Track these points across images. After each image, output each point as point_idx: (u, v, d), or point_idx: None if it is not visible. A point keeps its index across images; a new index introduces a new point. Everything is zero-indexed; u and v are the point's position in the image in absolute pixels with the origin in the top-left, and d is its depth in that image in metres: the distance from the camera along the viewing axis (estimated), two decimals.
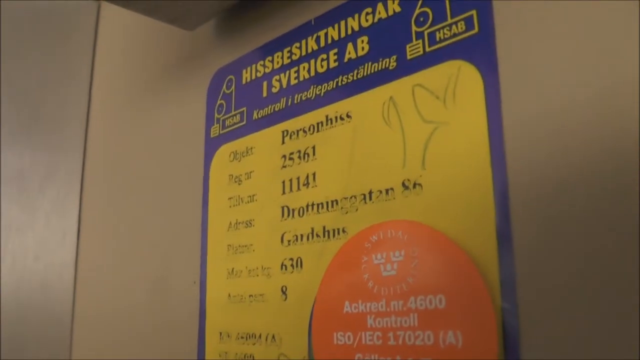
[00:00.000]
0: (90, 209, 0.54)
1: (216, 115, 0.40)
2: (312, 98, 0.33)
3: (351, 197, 0.30)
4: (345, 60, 0.32)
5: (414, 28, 0.29)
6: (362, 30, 0.32)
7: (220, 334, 0.36)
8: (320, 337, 0.30)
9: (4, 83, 0.71)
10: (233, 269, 0.36)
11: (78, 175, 0.56)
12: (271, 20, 0.38)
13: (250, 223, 0.35)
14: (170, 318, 0.41)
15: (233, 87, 0.39)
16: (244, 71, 0.39)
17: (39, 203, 0.61)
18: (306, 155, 0.33)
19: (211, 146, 0.40)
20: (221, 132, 0.39)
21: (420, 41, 0.29)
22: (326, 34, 0.34)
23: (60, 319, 0.54)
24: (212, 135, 0.40)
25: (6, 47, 0.72)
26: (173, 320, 0.40)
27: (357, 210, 0.30)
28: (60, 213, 0.57)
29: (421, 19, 0.29)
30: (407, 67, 0.29)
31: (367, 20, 0.32)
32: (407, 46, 0.29)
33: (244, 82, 0.39)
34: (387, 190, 0.29)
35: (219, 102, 0.40)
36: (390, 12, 0.31)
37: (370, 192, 0.29)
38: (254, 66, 0.38)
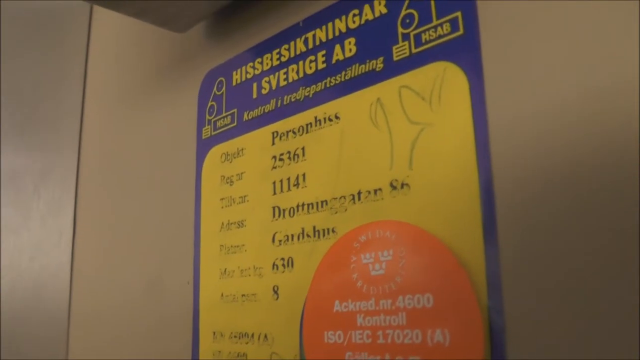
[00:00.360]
0: (85, 210, 0.55)
1: (207, 116, 0.40)
2: (301, 99, 0.34)
3: (340, 198, 0.30)
4: (333, 61, 0.33)
5: (400, 30, 0.30)
6: (349, 32, 0.32)
7: (214, 333, 0.36)
8: (311, 336, 0.30)
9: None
10: (225, 269, 0.36)
11: (73, 177, 0.57)
12: (260, 22, 0.39)
13: (242, 223, 0.36)
14: (164, 318, 0.41)
15: (224, 88, 0.40)
16: (234, 73, 0.39)
17: (34, 204, 0.61)
18: (296, 156, 0.33)
19: (203, 147, 0.40)
20: (212, 133, 0.40)
21: (406, 43, 0.29)
22: (314, 36, 0.34)
23: (56, 318, 0.54)
24: (203, 137, 0.41)
25: None
26: (168, 320, 0.41)
27: (346, 210, 0.30)
28: (55, 214, 0.58)
29: (407, 21, 0.29)
30: (394, 69, 0.29)
31: (354, 22, 0.32)
32: (394, 47, 0.30)
33: (234, 83, 0.39)
34: (375, 191, 0.29)
35: (210, 103, 0.41)
36: (377, 14, 0.31)
37: (359, 193, 0.30)
38: (244, 68, 0.38)
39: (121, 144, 0.51)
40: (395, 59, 0.29)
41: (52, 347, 0.54)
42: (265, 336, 0.33)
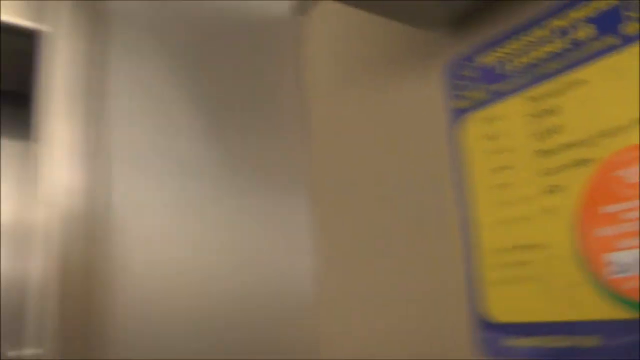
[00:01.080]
0: (319, 170, 0.68)
1: (456, 92, 0.53)
2: (549, 72, 0.46)
3: (597, 136, 0.42)
4: (575, 40, 0.45)
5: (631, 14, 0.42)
6: (586, 19, 0.44)
7: (493, 250, 0.49)
8: (584, 235, 0.43)
9: (225, 78, 0.75)
10: (498, 200, 0.49)
11: (305, 162, 0.69)
12: (500, 15, 0.51)
13: (509, 166, 0.48)
14: (432, 243, 0.55)
15: (470, 70, 0.52)
16: (480, 56, 0.52)
17: (261, 190, 0.70)
18: (551, 112, 0.46)
19: (456, 116, 0.53)
20: (464, 105, 0.53)
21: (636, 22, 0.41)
22: (553, 24, 0.46)
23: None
24: (455, 107, 0.54)
25: (218, 43, 0.76)
26: (436, 245, 0.55)
27: (603, 145, 0.42)
28: (286, 200, 0.69)
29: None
30: (628, 40, 0.41)
31: (588, 9, 0.44)
32: (624, 26, 0.42)
33: (480, 65, 0.52)
34: (626, 127, 0.41)
35: (457, 82, 0.53)
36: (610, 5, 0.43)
37: (613, 130, 0.42)
38: (489, 52, 0.51)
39: (357, 125, 0.64)
40: (626, 33, 0.41)
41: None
42: (542, 244, 0.46)
